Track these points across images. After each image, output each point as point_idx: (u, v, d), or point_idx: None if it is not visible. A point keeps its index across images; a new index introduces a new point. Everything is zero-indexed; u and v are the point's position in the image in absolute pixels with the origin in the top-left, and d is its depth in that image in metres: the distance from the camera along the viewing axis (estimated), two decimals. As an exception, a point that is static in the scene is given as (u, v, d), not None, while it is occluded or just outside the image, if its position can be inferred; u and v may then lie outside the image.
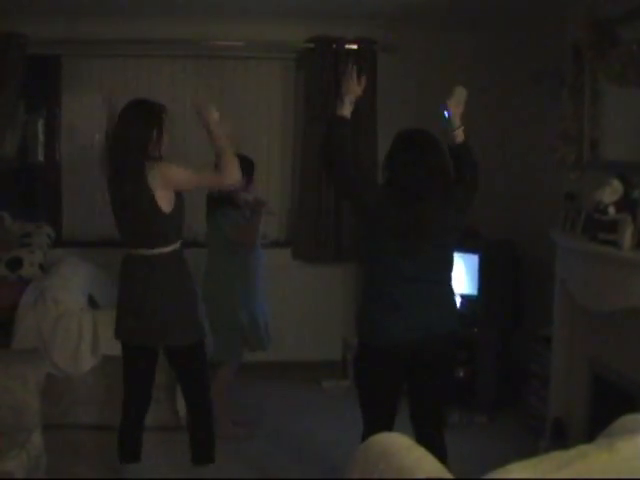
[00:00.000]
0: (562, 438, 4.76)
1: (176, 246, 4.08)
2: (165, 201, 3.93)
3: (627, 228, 4.00)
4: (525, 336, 5.95)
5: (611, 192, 4.13)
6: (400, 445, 2.78)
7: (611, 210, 4.14)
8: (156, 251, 4.01)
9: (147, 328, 4.06)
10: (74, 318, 5.36)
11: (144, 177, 3.87)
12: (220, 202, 5.15)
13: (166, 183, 3.92)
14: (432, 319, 3.74)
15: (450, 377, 4.05)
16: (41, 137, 6.64)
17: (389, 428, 3.64)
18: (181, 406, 5.16)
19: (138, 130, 3.95)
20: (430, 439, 3.70)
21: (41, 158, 6.67)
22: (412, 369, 3.86)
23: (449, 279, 3.89)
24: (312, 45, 6.55)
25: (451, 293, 3.90)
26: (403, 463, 2.61)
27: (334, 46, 6.55)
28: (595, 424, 4.26)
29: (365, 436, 3.80)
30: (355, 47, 6.57)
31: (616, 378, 4.39)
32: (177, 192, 4.01)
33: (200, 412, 4.29)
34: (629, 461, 2.24)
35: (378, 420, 3.84)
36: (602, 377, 4.58)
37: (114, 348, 5.27)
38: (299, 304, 6.73)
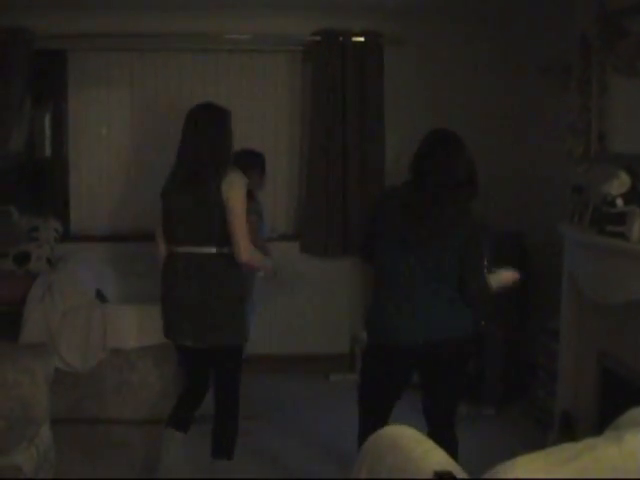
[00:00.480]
0: (570, 431, 4.76)
1: (230, 248, 4.11)
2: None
3: (635, 220, 3.99)
4: (533, 329, 5.94)
5: (619, 184, 4.13)
6: (409, 438, 2.78)
7: (619, 202, 4.13)
8: (213, 250, 4.08)
9: (197, 328, 4.11)
10: (82, 312, 5.37)
11: (220, 180, 3.99)
12: None
13: (229, 191, 4.00)
14: (443, 320, 3.74)
15: (463, 375, 4.03)
16: (48, 132, 6.64)
17: (384, 424, 3.65)
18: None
19: (215, 137, 4.09)
20: (442, 435, 3.71)
21: (48, 153, 6.67)
22: (424, 367, 3.87)
23: (454, 289, 3.83)
24: (319, 38, 6.54)
25: (456, 304, 3.82)
26: (411, 455, 2.62)
27: (341, 39, 6.53)
28: (603, 417, 4.25)
29: (361, 432, 3.83)
30: (362, 40, 6.55)
31: (624, 371, 4.38)
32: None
33: (227, 411, 4.31)
34: (637, 454, 2.24)
35: (371, 419, 3.86)
36: (610, 370, 4.56)
37: (122, 342, 5.33)
38: (307, 297, 6.73)
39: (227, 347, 4.19)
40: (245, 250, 4.04)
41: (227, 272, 4.12)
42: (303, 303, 6.71)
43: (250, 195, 4.38)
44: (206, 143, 4.06)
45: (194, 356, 4.34)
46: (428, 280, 3.71)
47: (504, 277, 3.93)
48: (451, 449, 3.66)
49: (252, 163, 5.37)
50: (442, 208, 3.67)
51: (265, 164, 5.51)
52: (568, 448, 2.26)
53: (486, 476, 2.22)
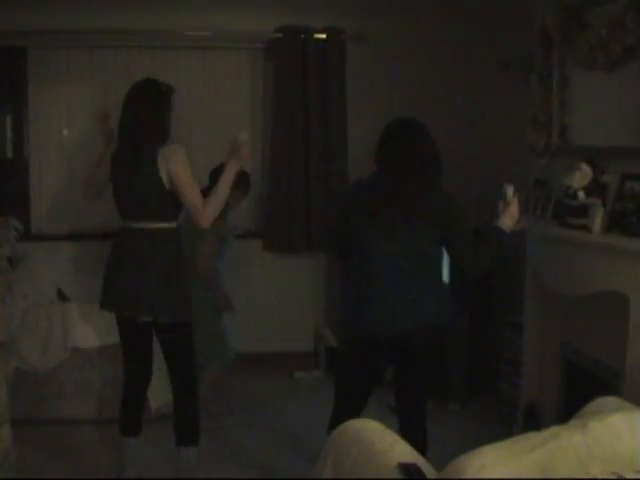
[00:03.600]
0: (535, 424, 4.77)
1: (173, 224, 4.07)
2: (167, 178, 3.98)
3: (597, 212, 4.01)
4: (496, 323, 5.96)
5: (580, 177, 4.14)
6: (373, 431, 2.78)
7: (581, 195, 4.15)
8: (155, 225, 4.01)
9: (135, 299, 4.03)
10: (43, 312, 5.33)
11: (155, 154, 3.94)
12: None
13: (167, 164, 3.95)
14: (414, 311, 3.73)
15: (436, 368, 4.04)
16: (9, 134, 6.54)
17: (357, 415, 3.65)
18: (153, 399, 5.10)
19: (151, 112, 4.04)
20: (413, 430, 3.73)
21: (10, 155, 6.57)
22: (398, 359, 3.86)
23: (436, 271, 3.86)
24: (280, 35, 6.52)
25: (438, 284, 3.87)
26: (375, 448, 2.61)
27: (302, 36, 6.52)
28: (568, 409, 4.28)
29: (332, 421, 3.83)
30: (323, 37, 6.54)
31: (587, 363, 4.40)
32: None
33: (185, 393, 4.23)
34: (601, 440, 2.24)
35: (346, 408, 3.87)
36: (573, 362, 4.59)
37: (84, 341, 5.28)
38: (270, 295, 6.71)
39: (171, 324, 4.10)
40: (204, 216, 3.99)
41: (164, 247, 4.05)
42: (266, 300, 6.69)
43: (220, 216, 4.35)
44: (136, 119, 4.03)
45: (132, 330, 4.22)
46: (410, 267, 3.72)
47: (511, 213, 3.86)
48: (422, 444, 3.68)
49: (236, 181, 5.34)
50: (411, 190, 3.68)
51: (250, 183, 5.49)
52: (532, 437, 2.26)
53: (451, 466, 2.22)
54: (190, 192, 3.98)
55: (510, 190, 3.85)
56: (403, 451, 2.57)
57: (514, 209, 3.83)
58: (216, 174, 4.77)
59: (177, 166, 3.96)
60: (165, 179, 3.95)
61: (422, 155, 3.73)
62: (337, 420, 3.57)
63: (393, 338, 3.75)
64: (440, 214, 3.69)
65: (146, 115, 4.03)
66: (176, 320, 4.10)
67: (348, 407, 3.88)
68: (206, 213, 3.99)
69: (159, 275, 4.01)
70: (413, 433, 3.65)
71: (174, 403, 4.27)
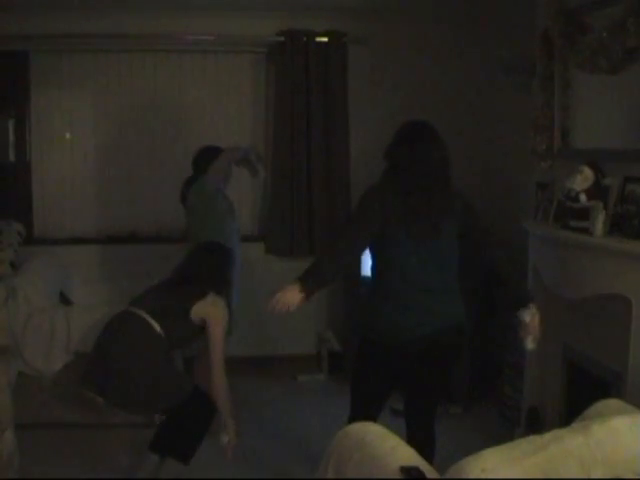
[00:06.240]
0: (538, 427, 4.77)
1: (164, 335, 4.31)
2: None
3: (598, 215, 4.02)
4: (499, 326, 5.95)
5: (582, 180, 4.15)
6: (375, 434, 2.78)
7: (582, 197, 4.15)
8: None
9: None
10: (46, 315, 5.32)
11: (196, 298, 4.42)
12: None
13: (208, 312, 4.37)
14: (443, 315, 3.75)
15: (449, 375, 4.04)
16: (12, 137, 6.55)
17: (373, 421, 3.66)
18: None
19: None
20: (422, 436, 3.73)
21: (12, 158, 6.58)
22: (424, 362, 3.83)
23: (456, 272, 3.87)
24: (282, 38, 6.53)
25: (457, 290, 3.88)
26: (378, 452, 2.62)
27: (304, 39, 6.52)
28: (570, 412, 4.28)
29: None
30: (325, 40, 6.55)
31: (590, 366, 4.40)
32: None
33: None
34: (604, 443, 2.24)
35: (364, 414, 3.83)
36: (576, 365, 4.58)
37: (87, 345, 5.26)
38: (273, 298, 6.71)
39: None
40: (216, 383, 4.33)
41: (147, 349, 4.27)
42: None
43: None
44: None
45: None
46: (438, 271, 3.74)
47: (531, 336, 3.84)
48: (430, 449, 3.67)
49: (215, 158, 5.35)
50: (435, 195, 3.69)
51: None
52: (534, 440, 2.27)
53: (452, 469, 2.22)
54: (217, 353, 4.39)
55: (526, 316, 3.79)
56: (405, 454, 2.57)
57: (534, 331, 3.82)
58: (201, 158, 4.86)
59: (216, 321, 4.39)
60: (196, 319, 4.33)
61: (441, 158, 3.73)
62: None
63: (424, 341, 3.72)
64: (461, 215, 3.76)
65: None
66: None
67: (366, 413, 3.83)
68: (216, 382, 4.35)
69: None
70: (422, 439, 3.65)
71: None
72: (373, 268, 3.89)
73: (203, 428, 4.30)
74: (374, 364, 3.91)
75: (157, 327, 4.22)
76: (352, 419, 3.87)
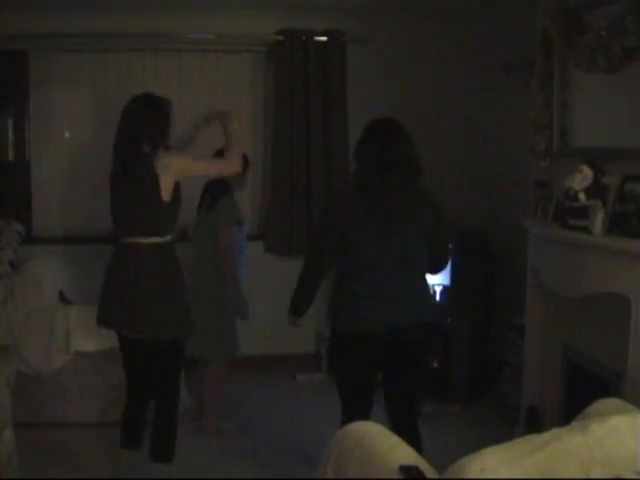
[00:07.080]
0: (537, 426, 4.77)
1: (169, 238, 4.08)
2: (166, 191, 3.97)
3: (597, 214, 4.02)
4: (499, 325, 5.96)
5: (581, 178, 4.14)
6: (375, 433, 2.78)
7: (581, 196, 4.15)
8: (152, 240, 4.00)
9: (132, 317, 4.02)
10: (45, 315, 5.32)
11: (152, 166, 3.93)
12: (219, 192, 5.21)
13: (171, 171, 3.98)
14: (408, 307, 3.80)
15: (425, 366, 4.08)
16: (11, 136, 6.54)
17: (367, 416, 3.68)
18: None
19: (147, 123, 4.03)
20: (405, 428, 3.72)
21: (11, 157, 6.57)
22: (388, 358, 3.88)
23: (423, 269, 3.93)
24: (281, 38, 6.52)
25: (426, 283, 3.97)
26: (377, 451, 2.62)
27: (303, 38, 6.52)
28: (569, 411, 4.27)
29: (344, 424, 3.81)
30: (324, 39, 6.54)
31: (589, 364, 4.40)
32: (176, 185, 4.04)
33: (166, 409, 4.23)
34: (603, 442, 2.24)
35: (356, 408, 3.87)
36: (575, 364, 4.58)
37: (86, 344, 5.28)
38: (271, 297, 6.70)
39: (167, 341, 4.10)
40: (232, 163, 4.21)
41: (165, 261, 4.07)
42: (267, 303, 6.68)
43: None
44: (134, 133, 4.02)
45: (130, 347, 4.24)
46: (406, 266, 3.79)
47: None
48: (416, 444, 3.68)
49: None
50: (402, 191, 3.73)
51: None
52: (533, 439, 2.27)
53: (452, 468, 2.22)
54: (209, 166, 4.30)
55: None
56: (405, 454, 2.57)
57: None
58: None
59: (182, 162, 4.05)
60: (166, 189, 3.96)
61: (406, 154, 3.76)
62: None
63: (394, 333, 3.78)
64: (430, 213, 3.81)
65: (145, 129, 4.02)
66: (175, 337, 4.11)
67: (357, 408, 3.87)
68: (232, 159, 4.19)
69: (151, 293, 4.00)
70: (407, 433, 3.65)
71: (154, 419, 4.25)
72: (338, 266, 3.97)
73: (175, 425, 4.27)
74: (354, 358, 3.93)
75: (158, 239, 4.06)
76: (345, 417, 3.91)
